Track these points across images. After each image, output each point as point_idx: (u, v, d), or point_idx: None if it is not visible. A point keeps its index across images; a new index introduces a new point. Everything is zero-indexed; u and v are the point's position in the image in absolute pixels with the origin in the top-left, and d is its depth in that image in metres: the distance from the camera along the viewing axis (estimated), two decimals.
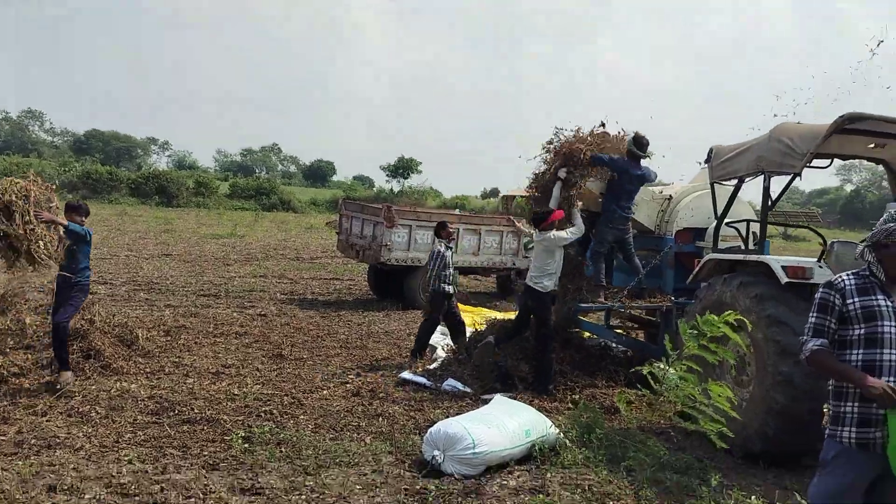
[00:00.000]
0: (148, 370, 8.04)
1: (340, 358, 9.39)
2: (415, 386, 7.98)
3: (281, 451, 5.68)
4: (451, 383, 7.94)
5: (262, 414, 6.65)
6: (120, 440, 5.77)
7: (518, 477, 5.41)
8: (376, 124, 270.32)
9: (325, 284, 16.81)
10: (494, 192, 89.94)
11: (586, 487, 5.22)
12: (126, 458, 5.36)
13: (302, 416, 6.67)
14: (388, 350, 10.05)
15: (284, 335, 10.59)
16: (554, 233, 8.02)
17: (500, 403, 6.19)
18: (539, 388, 7.77)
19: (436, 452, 5.40)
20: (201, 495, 4.78)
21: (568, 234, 8.11)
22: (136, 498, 4.68)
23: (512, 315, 13.01)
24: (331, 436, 6.17)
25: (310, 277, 18.00)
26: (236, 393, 7.29)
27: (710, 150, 6.92)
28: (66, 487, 4.77)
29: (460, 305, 13.56)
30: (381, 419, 6.73)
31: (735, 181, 6.79)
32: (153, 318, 10.90)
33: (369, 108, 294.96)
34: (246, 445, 5.77)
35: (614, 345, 9.10)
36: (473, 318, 12.28)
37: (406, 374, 8.30)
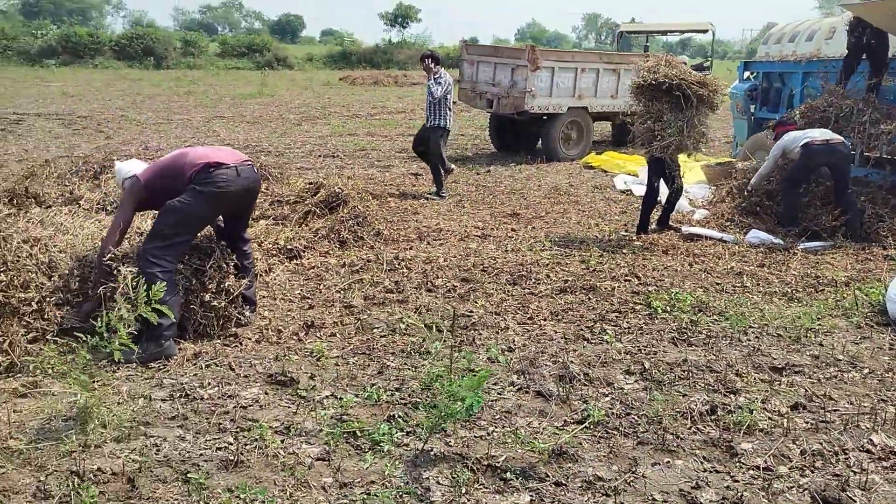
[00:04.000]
0: (412, 237, 7.04)
1: (575, 213, 8.47)
2: (707, 239, 7.16)
3: (724, 319, 4.87)
4: (757, 235, 7.13)
5: (630, 278, 5.78)
6: (534, 315, 4.89)
7: None
8: None
9: None
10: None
11: None
12: (572, 334, 4.53)
13: (667, 280, 5.82)
14: (591, 205, 9.08)
15: (480, 194, 9.57)
16: None
17: None
18: (854, 235, 7.02)
19: None
20: (735, 377, 3.97)
21: None
22: (694, 378, 3.87)
23: None
24: (734, 299, 5.36)
25: (398, 134, 16.65)
26: (568, 258, 6.38)
27: None
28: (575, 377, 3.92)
29: (617, 155, 12.64)
30: (745, 277, 5.91)
31: None
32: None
33: None
34: (675, 315, 4.94)
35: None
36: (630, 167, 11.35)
37: (690, 229, 7.45)
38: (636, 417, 3.48)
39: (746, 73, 10.73)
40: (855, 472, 3.01)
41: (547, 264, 6.13)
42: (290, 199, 6.96)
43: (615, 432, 3.35)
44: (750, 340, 4.53)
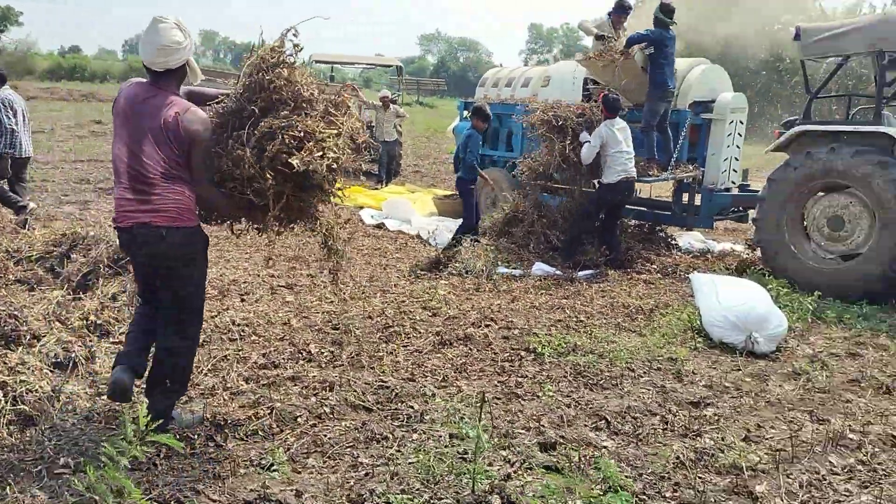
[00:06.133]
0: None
1: (389, 258, 8.20)
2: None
3: (600, 357, 5.14)
4: (541, 268, 7.69)
5: (489, 322, 5.76)
6: (452, 381, 4.59)
7: (798, 346, 5.74)
8: None
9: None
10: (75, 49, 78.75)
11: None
12: (507, 392, 4.38)
13: (514, 320, 5.93)
14: (360, 241, 8.97)
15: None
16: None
17: (726, 282, 6.26)
18: (614, 261, 7.95)
19: (755, 335, 5.41)
20: (672, 416, 4.22)
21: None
22: None
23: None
24: (583, 334, 5.69)
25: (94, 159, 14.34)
26: (407, 304, 6.08)
27: (798, 29, 7.48)
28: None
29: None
30: (566, 311, 6.33)
31: (833, 58, 7.71)
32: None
33: None
34: (561, 359, 5.07)
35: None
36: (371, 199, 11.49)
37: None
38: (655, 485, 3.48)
39: (466, 112, 11.45)
40: None
41: (392, 314, 5.81)
42: None
43: None
44: (642, 377, 4.84)
